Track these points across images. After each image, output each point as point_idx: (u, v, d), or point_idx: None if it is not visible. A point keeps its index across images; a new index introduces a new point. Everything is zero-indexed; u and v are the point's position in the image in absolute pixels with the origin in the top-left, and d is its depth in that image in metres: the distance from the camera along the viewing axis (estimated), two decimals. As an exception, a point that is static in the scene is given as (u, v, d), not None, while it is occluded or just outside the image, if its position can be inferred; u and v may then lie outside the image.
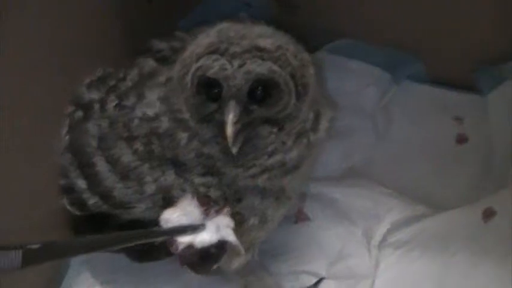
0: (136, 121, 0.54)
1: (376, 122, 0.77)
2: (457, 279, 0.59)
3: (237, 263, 0.56)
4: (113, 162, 0.54)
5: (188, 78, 0.48)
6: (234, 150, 0.47)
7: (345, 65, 0.79)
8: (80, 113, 0.58)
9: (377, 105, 0.78)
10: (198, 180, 0.52)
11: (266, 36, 0.48)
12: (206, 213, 0.44)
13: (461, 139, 0.75)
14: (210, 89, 0.48)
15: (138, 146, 0.53)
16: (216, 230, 0.43)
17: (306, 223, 0.70)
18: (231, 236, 0.44)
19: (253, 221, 0.53)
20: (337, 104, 0.62)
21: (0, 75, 0.51)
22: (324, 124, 0.55)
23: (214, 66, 0.46)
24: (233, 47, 0.46)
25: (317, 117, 0.54)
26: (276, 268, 0.66)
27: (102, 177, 0.54)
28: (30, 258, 0.27)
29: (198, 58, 0.47)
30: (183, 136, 0.52)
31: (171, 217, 0.43)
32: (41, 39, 0.56)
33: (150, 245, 0.44)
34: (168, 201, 0.49)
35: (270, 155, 0.51)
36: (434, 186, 0.71)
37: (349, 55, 0.79)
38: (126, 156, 0.54)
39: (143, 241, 0.41)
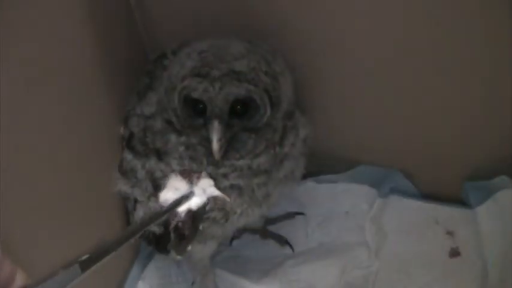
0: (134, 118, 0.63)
1: (371, 238, 0.78)
2: None
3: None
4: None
5: (175, 95, 0.56)
6: (218, 157, 0.55)
7: (333, 189, 0.83)
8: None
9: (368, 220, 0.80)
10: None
11: (241, 58, 0.55)
12: (191, 182, 0.55)
13: (454, 253, 0.75)
14: (194, 105, 0.56)
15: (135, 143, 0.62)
16: (203, 192, 0.55)
17: None
18: (215, 192, 0.55)
19: (216, 214, 0.60)
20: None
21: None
22: (290, 139, 0.61)
23: (198, 88, 0.54)
24: (213, 71, 0.53)
25: (285, 132, 0.60)
26: None
27: None
28: (84, 266, 0.36)
29: (183, 79, 0.55)
30: (172, 136, 0.59)
31: (167, 196, 0.54)
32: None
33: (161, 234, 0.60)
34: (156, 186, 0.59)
35: (242, 157, 0.57)
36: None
37: (334, 179, 0.84)
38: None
39: (156, 221, 0.52)
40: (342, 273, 0.76)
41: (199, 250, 0.68)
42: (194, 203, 0.54)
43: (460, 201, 0.79)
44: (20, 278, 0.34)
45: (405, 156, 0.80)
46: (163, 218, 0.52)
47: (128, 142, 0.64)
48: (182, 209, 0.53)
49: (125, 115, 0.66)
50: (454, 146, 0.76)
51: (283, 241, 0.80)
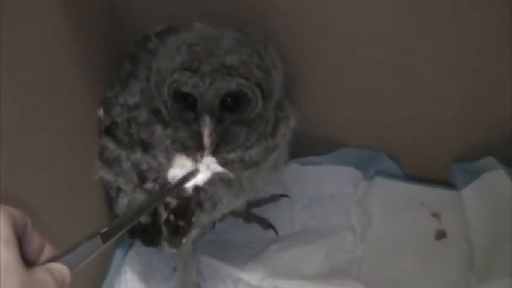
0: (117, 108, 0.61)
1: (356, 221, 0.77)
2: None
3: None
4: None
5: (165, 88, 0.54)
6: (210, 152, 0.54)
7: (318, 171, 0.82)
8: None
9: (353, 203, 0.79)
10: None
11: (232, 51, 0.52)
12: (195, 160, 0.56)
13: (440, 235, 0.75)
14: (185, 98, 0.54)
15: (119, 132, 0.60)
16: (207, 168, 0.56)
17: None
18: (218, 168, 0.57)
19: (205, 204, 0.59)
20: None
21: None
22: (282, 130, 0.59)
23: (188, 83, 0.52)
24: (203, 66, 0.51)
25: (277, 123, 0.59)
26: None
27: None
28: (105, 238, 0.38)
29: (173, 72, 0.53)
30: (158, 127, 0.58)
31: (175, 173, 0.56)
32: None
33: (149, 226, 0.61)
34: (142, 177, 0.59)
35: (234, 150, 0.56)
36: (417, 284, 0.70)
37: (319, 161, 0.82)
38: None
39: (166, 197, 0.56)
40: (327, 257, 0.75)
41: None
42: (200, 179, 0.56)
43: (446, 183, 0.79)
44: (47, 250, 0.36)
45: (391, 138, 0.79)
46: (173, 193, 0.56)
47: (110, 130, 0.61)
48: (189, 185, 0.56)
49: (106, 101, 0.63)
50: (440, 128, 0.76)
51: (267, 224, 0.79)
